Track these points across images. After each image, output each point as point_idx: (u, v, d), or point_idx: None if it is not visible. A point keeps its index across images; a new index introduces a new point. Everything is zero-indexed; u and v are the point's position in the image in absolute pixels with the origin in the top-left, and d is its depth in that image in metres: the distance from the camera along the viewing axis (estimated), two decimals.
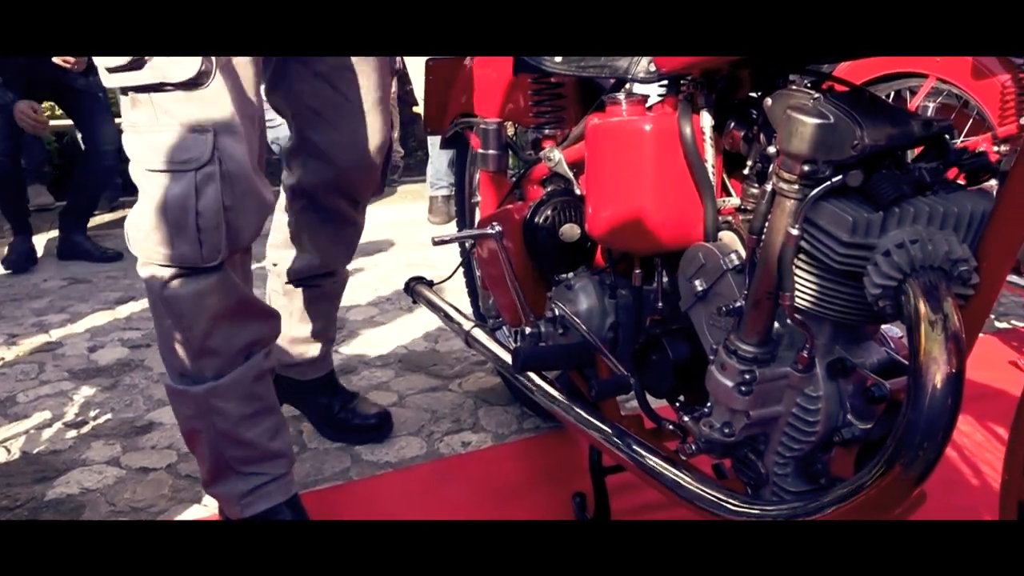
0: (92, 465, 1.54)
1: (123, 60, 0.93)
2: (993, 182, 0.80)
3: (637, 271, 1.06)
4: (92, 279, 2.97)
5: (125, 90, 0.98)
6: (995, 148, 1.92)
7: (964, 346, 0.67)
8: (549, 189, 1.18)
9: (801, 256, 0.77)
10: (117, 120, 3.03)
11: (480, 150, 1.39)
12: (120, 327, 2.40)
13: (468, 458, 1.52)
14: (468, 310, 1.88)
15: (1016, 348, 2.03)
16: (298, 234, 1.45)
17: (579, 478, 1.28)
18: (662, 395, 1.06)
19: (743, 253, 0.88)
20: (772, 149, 0.77)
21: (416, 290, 1.63)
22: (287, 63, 1.26)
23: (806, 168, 0.72)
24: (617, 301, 1.10)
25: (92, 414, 1.78)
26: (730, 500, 0.87)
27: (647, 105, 1.03)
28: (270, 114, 1.43)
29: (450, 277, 1.59)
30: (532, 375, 1.23)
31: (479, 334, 1.39)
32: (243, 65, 1.02)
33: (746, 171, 0.93)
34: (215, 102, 0.97)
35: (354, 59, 1.29)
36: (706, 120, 0.94)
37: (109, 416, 1.76)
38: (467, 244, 1.50)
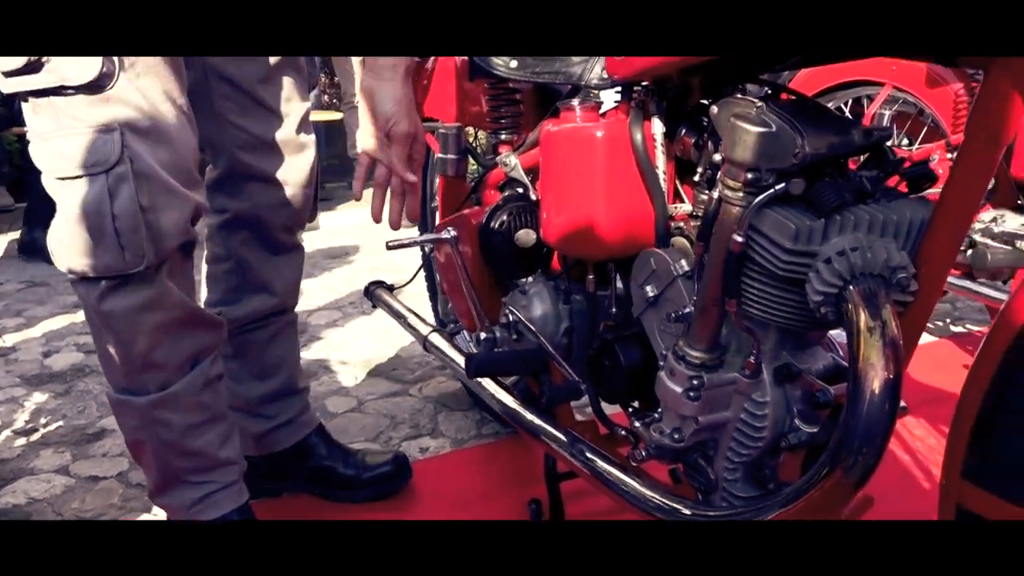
0: (40, 474, 1.51)
1: (19, 63, 0.88)
2: (937, 190, 0.82)
3: (591, 277, 1.06)
4: (51, 282, 2.91)
5: (24, 95, 0.93)
6: (948, 155, 1.96)
7: (901, 352, 0.68)
8: (505, 194, 1.18)
9: (746, 263, 0.78)
10: None
11: (439, 154, 1.38)
12: (77, 331, 2.35)
13: (425, 464, 1.50)
14: (430, 315, 1.87)
15: (971, 352, 2.06)
16: (243, 273, 1.29)
17: (536, 484, 1.27)
18: (615, 401, 1.06)
19: (694, 259, 0.88)
20: (718, 156, 0.78)
21: (375, 294, 1.62)
22: (206, 79, 1.17)
23: (749, 176, 0.72)
24: (571, 307, 1.10)
25: (43, 421, 1.74)
26: (679, 506, 0.88)
27: (601, 112, 1.03)
28: None
29: (410, 281, 1.58)
30: (488, 381, 1.23)
31: (436, 339, 1.38)
32: (156, 66, 0.96)
33: (696, 178, 0.94)
34: (121, 102, 0.92)
35: (273, 65, 1.20)
36: (657, 127, 0.95)
37: (60, 423, 1.73)
38: (427, 248, 1.50)
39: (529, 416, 1.14)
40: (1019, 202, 2.02)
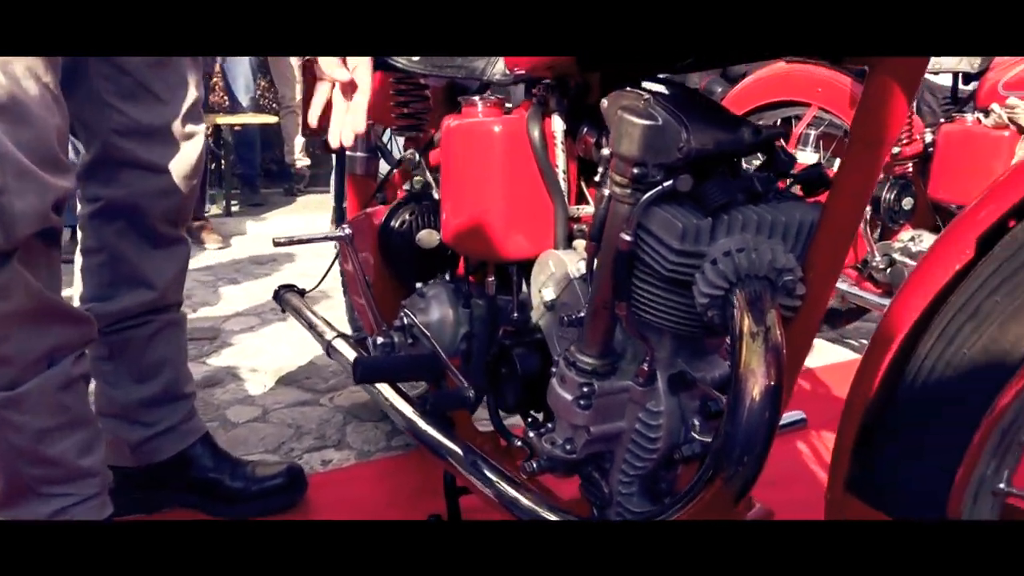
0: None
1: None
2: None
3: (491, 279, 1.02)
4: None
5: None
6: None
7: (783, 359, 0.65)
8: (408, 193, 1.13)
9: (636, 264, 0.74)
10: None
11: (348, 152, 1.33)
12: None
13: (325, 477, 1.43)
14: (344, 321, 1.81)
15: None
16: (118, 266, 1.20)
17: (439, 498, 1.22)
18: (513, 410, 1.01)
19: None
20: (606, 151, 0.74)
21: (284, 298, 1.55)
22: (84, 58, 1.09)
23: (636, 171, 0.69)
24: (471, 311, 1.05)
25: None
26: (570, 523, 0.83)
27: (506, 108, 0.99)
28: None
29: (318, 285, 1.51)
30: (388, 390, 1.17)
31: (340, 344, 1.32)
32: None
33: (597, 178, 0.90)
34: None
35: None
36: (558, 124, 0.91)
37: None
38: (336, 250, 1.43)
39: (426, 428, 1.08)
40: (937, 223, 2.06)
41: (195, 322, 2.40)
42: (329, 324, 1.38)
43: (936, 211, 2.03)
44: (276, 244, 1.15)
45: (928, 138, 1.94)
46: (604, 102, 0.75)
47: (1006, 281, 0.52)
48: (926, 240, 1.97)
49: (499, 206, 0.92)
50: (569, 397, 0.81)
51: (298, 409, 1.74)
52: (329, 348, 1.33)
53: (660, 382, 0.80)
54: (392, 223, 1.10)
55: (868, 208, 1.97)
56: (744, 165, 0.78)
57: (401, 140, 1.29)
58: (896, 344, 0.60)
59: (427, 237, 1.10)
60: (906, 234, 1.98)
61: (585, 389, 0.80)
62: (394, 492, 1.39)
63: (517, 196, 0.92)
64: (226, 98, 4.57)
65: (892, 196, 1.93)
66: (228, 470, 1.29)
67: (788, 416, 0.98)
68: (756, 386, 0.63)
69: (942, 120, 1.91)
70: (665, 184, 0.68)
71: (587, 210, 0.95)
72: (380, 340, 1.12)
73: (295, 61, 4.48)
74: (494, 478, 0.95)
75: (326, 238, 1.16)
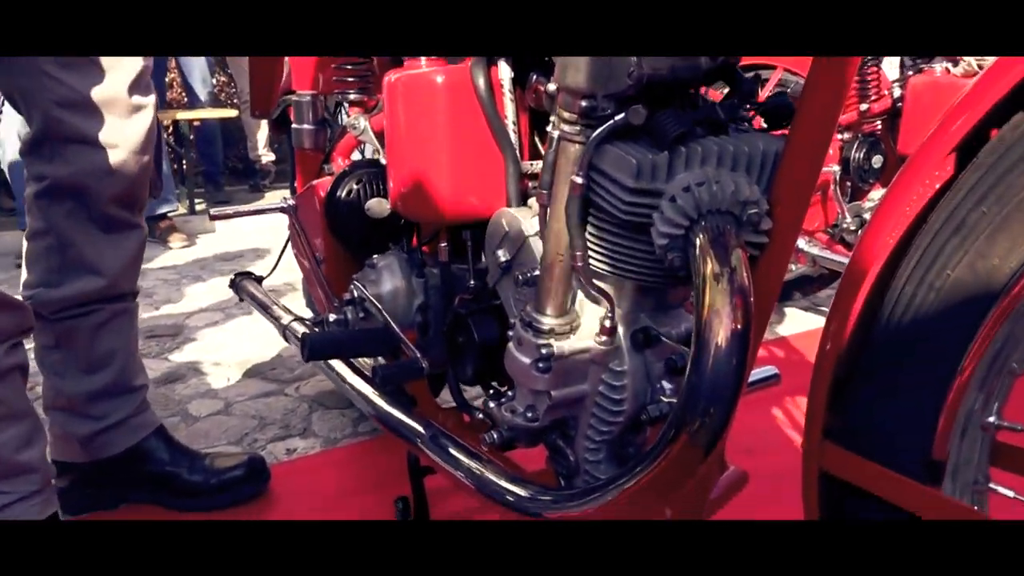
0: None
1: None
2: None
3: (443, 245, 0.96)
4: None
5: None
6: (838, 136, 1.94)
7: (750, 302, 0.59)
8: (354, 160, 1.06)
9: (590, 209, 0.69)
10: None
11: (294, 125, 1.26)
12: None
13: (289, 466, 1.37)
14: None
15: None
16: (66, 251, 1.13)
17: (406, 482, 1.16)
18: (472, 382, 0.95)
19: None
20: (552, 86, 0.69)
21: (240, 285, 1.49)
22: None
23: (584, 104, 0.63)
24: (426, 281, 0.99)
25: None
26: (533, 493, 0.78)
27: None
28: None
29: (273, 270, 1.44)
30: (346, 370, 1.11)
31: (296, 327, 1.25)
32: None
33: (549, 128, 0.85)
34: None
35: None
36: (505, 72, 0.85)
37: None
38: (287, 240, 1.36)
39: (386, 407, 1.02)
40: None
41: (158, 319, 2.32)
42: (286, 309, 1.32)
43: None
44: (211, 218, 1.08)
45: (896, 93, 1.90)
46: None
47: (993, 188, 0.47)
48: None
49: (446, 164, 0.86)
50: (527, 360, 0.76)
51: (262, 400, 1.67)
52: (285, 331, 1.27)
53: (622, 340, 0.75)
54: (339, 193, 1.04)
55: (837, 168, 1.93)
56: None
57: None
58: (870, 278, 0.55)
59: (377, 206, 1.04)
60: (877, 193, 1.94)
61: (544, 351, 0.75)
62: (360, 478, 1.33)
63: (465, 152, 0.86)
64: (184, 94, 4.46)
65: (861, 155, 1.90)
66: (186, 463, 1.23)
67: (760, 372, 0.93)
68: (722, 330, 0.57)
69: (909, 73, 1.87)
70: (617, 118, 0.63)
71: (541, 165, 0.90)
72: (333, 317, 1.06)
73: None
74: (457, 454, 0.89)
75: (267, 210, 1.10)
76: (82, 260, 1.13)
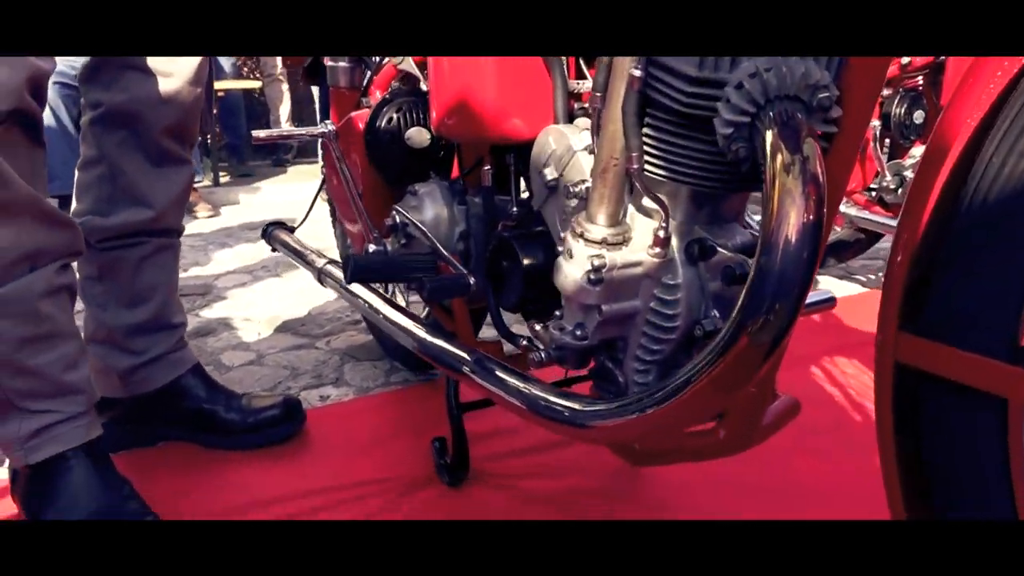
0: None
1: None
2: None
3: (487, 168, 0.94)
4: None
5: None
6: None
7: (823, 193, 0.57)
8: (394, 88, 1.05)
9: (648, 106, 0.67)
10: None
11: (328, 63, 1.24)
12: None
13: (323, 411, 1.36)
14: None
15: None
16: (117, 180, 1.13)
17: (442, 427, 1.15)
18: (516, 308, 0.94)
19: None
20: None
21: (272, 235, 1.48)
22: None
23: None
24: (468, 208, 0.97)
25: None
26: (575, 404, 0.76)
27: None
28: None
29: (305, 218, 1.43)
30: (386, 307, 1.10)
31: (332, 270, 1.24)
32: None
33: None
34: None
35: None
36: None
37: None
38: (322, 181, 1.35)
39: (428, 337, 1.01)
40: None
41: (186, 280, 2.32)
42: (319, 253, 1.31)
43: None
44: (254, 141, 1.07)
45: None
46: None
47: None
48: None
49: (492, 82, 0.84)
50: (578, 273, 0.74)
51: (293, 352, 1.67)
52: (321, 275, 1.26)
53: (676, 252, 0.73)
54: (378, 122, 1.02)
55: (877, 124, 1.89)
56: None
57: None
58: (951, 157, 0.52)
59: (417, 135, 1.02)
60: (918, 150, 1.90)
61: (596, 262, 0.73)
62: (395, 423, 1.32)
63: (511, 70, 0.84)
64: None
65: (903, 110, 1.85)
66: (223, 401, 1.22)
67: (817, 294, 0.91)
68: (793, 218, 0.55)
69: None
70: None
71: (588, 85, 0.87)
72: (372, 248, 1.04)
73: None
74: (504, 375, 0.87)
75: (309, 135, 1.08)
76: (132, 190, 1.13)
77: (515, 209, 0.94)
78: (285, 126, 4.86)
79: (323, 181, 1.35)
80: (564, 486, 1.09)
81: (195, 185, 3.66)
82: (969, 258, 0.52)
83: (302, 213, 1.35)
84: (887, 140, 1.91)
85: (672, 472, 1.12)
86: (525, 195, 0.95)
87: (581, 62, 0.89)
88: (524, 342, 0.93)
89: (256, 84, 4.42)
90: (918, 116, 1.84)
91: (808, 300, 0.92)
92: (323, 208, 1.55)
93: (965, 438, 0.52)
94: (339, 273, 1.22)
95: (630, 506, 1.04)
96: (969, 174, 0.52)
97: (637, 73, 0.64)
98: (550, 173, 0.83)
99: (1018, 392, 0.48)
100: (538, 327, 0.84)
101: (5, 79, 0.81)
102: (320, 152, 3.65)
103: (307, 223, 1.37)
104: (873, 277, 2.27)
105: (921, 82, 1.91)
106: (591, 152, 0.79)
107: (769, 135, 0.57)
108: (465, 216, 0.97)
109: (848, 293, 2.13)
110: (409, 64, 1.04)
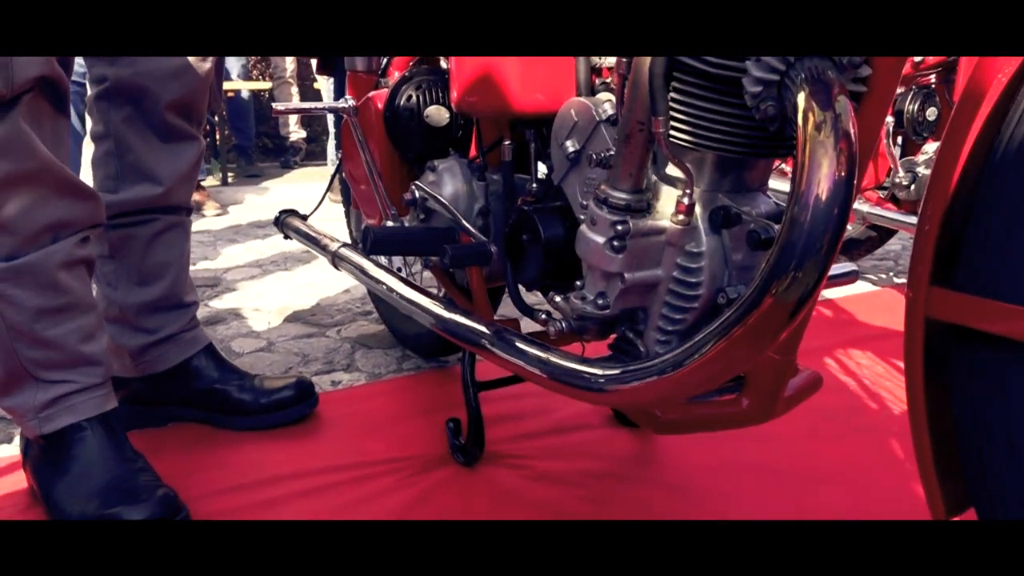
0: None
1: None
2: None
3: (507, 143, 0.94)
4: None
5: None
6: None
7: (855, 150, 0.57)
8: (412, 66, 1.05)
9: (676, 70, 0.67)
10: None
11: None
12: None
13: (335, 395, 1.36)
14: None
15: None
16: (124, 156, 1.12)
17: (455, 411, 1.15)
18: (535, 283, 0.94)
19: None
20: None
21: (286, 222, 1.47)
22: None
23: None
24: (487, 185, 0.98)
25: None
26: (596, 370, 0.75)
27: None
28: None
29: (318, 207, 1.44)
30: (404, 287, 1.10)
31: (346, 252, 1.24)
32: None
33: None
34: None
35: None
36: None
37: None
38: (336, 156, 1.35)
39: (447, 314, 1.00)
40: None
41: (195, 273, 2.33)
42: (333, 237, 1.31)
43: None
44: (274, 113, 1.07)
45: None
46: None
47: None
48: None
49: (515, 57, 0.85)
50: (601, 239, 0.74)
51: (304, 340, 1.67)
52: (335, 258, 1.25)
53: (699, 220, 0.72)
54: (398, 100, 1.02)
55: (890, 120, 1.89)
56: None
57: None
58: (988, 103, 0.52)
59: (436, 114, 1.02)
60: (931, 146, 1.90)
61: (619, 228, 0.72)
62: (408, 406, 1.31)
63: None
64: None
65: (915, 107, 1.85)
66: (235, 382, 1.22)
67: (840, 266, 0.91)
68: (827, 171, 0.55)
69: None
70: None
71: (609, 61, 0.88)
72: (390, 224, 1.04)
73: None
74: (523, 346, 0.87)
75: (329, 109, 1.09)
76: (140, 166, 1.13)
77: (534, 185, 0.94)
78: (294, 128, 4.88)
79: (338, 167, 1.35)
80: (579, 468, 1.08)
81: (203, 184, 3.67)
82: (1010, 205, 0.51)
83: (306, 210, 1.35)
84: (900, 137, 1.91)
85: (688, 455, 1.12)
86: (543, 174, 0.95)
87: None
88: (543, 316, 0.93)
89: (265, 85, 4.44)
90: (931, 113, 1.85)
91: (831, 273, 0.93)
92: (330, 207, 1.55)
93: (1000, 392, 0.52)
94: (354, 256, 1.22)
95: (647, 488, 1.04)
96: (1003, 122, 0.51)
97: None
98: (572, 145, 0.83)
99: None
100: (558, 299, 0.84)
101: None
102: (330, 147, 3.68)
103: (315, 219, 1.37)
104: (884, 276, 2.26)
105: (934, 80, 1.91)
106: (614, 123, 0.79)
107: (799, 92, 0.57)
108: (484, 192, 0.97)
109: (859, 291, 2.12)
110: None
